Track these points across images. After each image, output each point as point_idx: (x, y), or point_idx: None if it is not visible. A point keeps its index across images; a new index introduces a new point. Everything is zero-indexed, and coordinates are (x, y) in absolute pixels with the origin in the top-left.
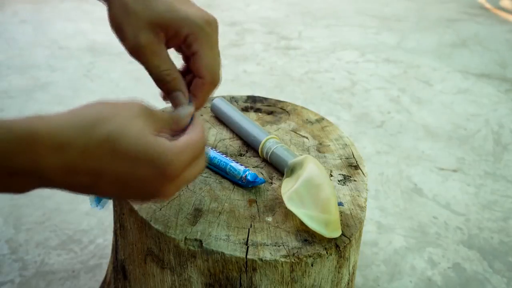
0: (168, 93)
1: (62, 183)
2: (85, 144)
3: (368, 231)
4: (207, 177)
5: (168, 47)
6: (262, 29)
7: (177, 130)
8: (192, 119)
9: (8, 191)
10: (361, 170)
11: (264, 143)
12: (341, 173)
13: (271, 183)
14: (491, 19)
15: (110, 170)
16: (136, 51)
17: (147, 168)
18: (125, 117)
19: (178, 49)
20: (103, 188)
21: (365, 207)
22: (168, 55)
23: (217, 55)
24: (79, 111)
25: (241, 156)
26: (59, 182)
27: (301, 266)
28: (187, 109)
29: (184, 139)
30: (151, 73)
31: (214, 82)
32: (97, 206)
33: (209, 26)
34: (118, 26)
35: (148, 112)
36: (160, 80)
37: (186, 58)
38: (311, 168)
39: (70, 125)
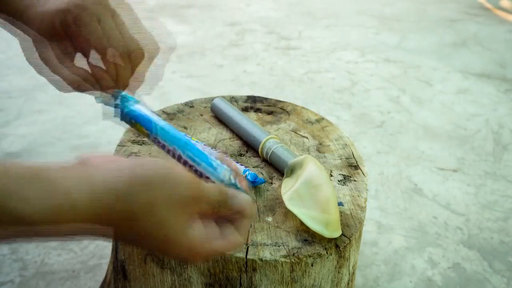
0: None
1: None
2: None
3: (368, 231)
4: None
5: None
6: (262, 29)
7: (222, 215)
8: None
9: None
10: (361, 170)
11: (264, 143)
12: (341, 173)
13: (271, 183)
14: (491, 19)
15: (150, 239)
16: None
17: (186, 252)
18: (176, 201)
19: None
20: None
21: (365, 207)
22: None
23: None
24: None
25: (241, 156)
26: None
27: (301, 266)
28: (243, 197)
29: (226, 239)
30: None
31: (130, 47)
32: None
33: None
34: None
35: (195, 195)
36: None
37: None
38: (311, 168)
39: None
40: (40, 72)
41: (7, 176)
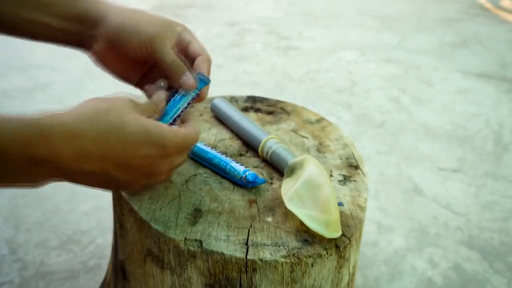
0: (176, 80)
1: (75, 171)
2: (94, 133)
3: (368, 231)
4: (207, 177)
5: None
6: (262, 29)
7: (157, 113)
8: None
9: (26, 182)
10: (361, 170)
11: (264, 143)
12: (341, 173)
13: (271, 183)
14: (491, 19)
15: (118, 154)
16: (151, 51)
17: (149, 149)
18: (121, 108)
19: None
20: (110, 172)
21: (365, 207)
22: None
23: (198, 40)
24: (82, 107)
25: (241, 156)
26: (72, 169)
27: (301, 266)
28: (160, 95)
29: (180, 128)
30: (163, 66)
31: (209, 56)
32: None
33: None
34: (119, 48)
35: (134, 103)
36: (177, 67)
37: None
38: (311, 168)
39: (79, 118)
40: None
41: None
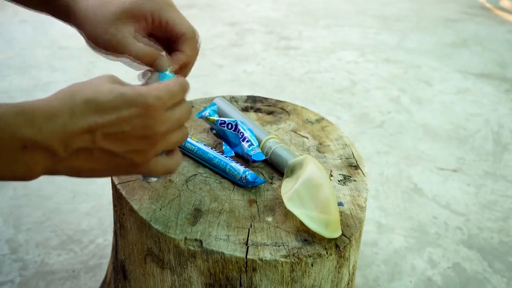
0: (151, 65)
1: (68, 157)
2: (70, 110)
3: (368, 231)
4: (207, 177)
5: (148, 33)
6: (262, 29)
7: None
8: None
9: (20, 172)
10: (361, 170)
11: (264, 143)
12: (341, 173)
13: (271, 183)
14: (491, 19)
15: (101, 124)
16: (115, 43)
17: (129, 110)
18: (97, 83)
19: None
20: (104, 147)
21: (365, 207)
22: (143, 39)
23: (183, 17)
24: (58, 91)
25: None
26: (63, 153)
27: (301, 266)
28: (154, 77)
29: (157, 84)
30: (134, 54)
31: (195, 34)
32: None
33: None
34: (90, 33)
35: (114, 78)
36: (143, 56)
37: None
38: (311, 168)
39: (54, 98)
40: (106, 53)
41: None
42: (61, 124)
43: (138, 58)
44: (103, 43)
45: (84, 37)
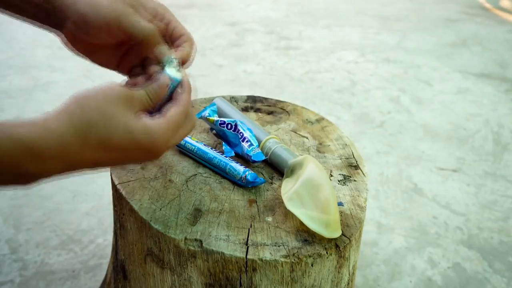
0: (152, 54)
1: (64, 174)
2: (82, 149)
3: (368, 231)
4: (207, 177)
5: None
6: (262, 29)
7: (157, 102)
8: (175, 87)
9: (13, 186)
10: (361, 170)
11: (264, 143)
12: (341, 173)
13: (271, 183)
14: (491, 19)
15: (106, 160)
16: (114, 16)
17: (136, 152)
18: (111, 113)
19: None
20: (101, 167)
21: (365, 207)
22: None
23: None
24: (68, 114)
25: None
26: (61, 174)
27: (301, 266)
28: (161, 80)
29: (166, 117)
30: (137, 38)
31: (191, 36)
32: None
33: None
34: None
35: (125, 96)
36: (147, 32)
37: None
38: (311, 168)
39: (65, 132)
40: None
41: None
42: (69, 162)
43: (140, 34)
44: (103, 17)
45: (61, 38)
